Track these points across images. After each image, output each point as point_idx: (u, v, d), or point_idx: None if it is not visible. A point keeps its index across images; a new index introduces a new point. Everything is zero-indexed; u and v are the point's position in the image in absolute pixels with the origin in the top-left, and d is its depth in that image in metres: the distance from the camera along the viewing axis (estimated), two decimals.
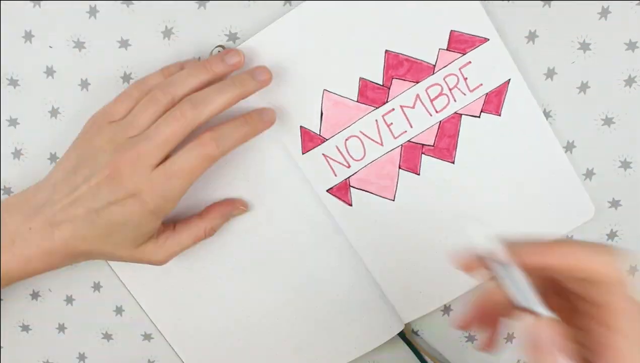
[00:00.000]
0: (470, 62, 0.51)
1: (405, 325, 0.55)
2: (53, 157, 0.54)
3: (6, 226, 0.48)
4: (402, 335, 0.55)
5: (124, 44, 0.52)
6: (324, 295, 0.54)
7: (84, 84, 0.53)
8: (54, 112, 0.53)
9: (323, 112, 0.52)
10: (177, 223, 0.51)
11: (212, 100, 0.46)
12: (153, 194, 0.46)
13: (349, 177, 0.53)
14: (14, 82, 0.53)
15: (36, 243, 0.48)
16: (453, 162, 0.52)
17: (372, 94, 0.51)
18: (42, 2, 0.51)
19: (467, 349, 0.56)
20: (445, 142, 0.52)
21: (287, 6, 0.50)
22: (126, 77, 0.52)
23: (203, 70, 0.48)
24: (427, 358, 0.56)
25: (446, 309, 0.56)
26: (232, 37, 0.51)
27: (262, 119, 0.49)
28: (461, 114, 0.52)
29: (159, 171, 0.46)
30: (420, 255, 0.54)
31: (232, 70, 0.49)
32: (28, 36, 0.52)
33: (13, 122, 0.53)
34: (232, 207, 0.52)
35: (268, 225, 0.53)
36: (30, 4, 0.51)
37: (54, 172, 0.49)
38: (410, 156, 0.52)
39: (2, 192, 0.55)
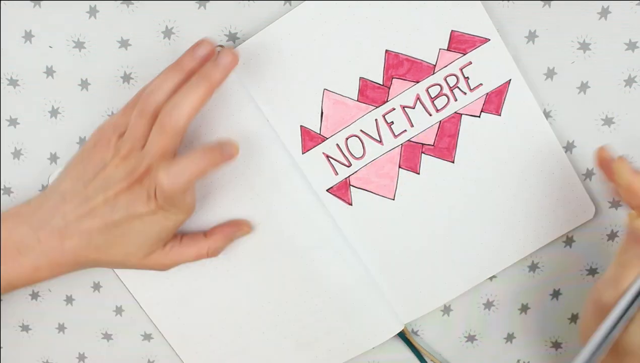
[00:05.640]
0: (470, 62, 0.51)
1: (405, 325, 0.55)
2: (53, 157, 0.54)
3: (10, 236, 0.48)
4: (402, 335, 0.55)
5: (124, 44, 0.52)
6: (324, 294, 0.54)
7: (84, 84, 0.53)
8: (54, 112, 0.53)
9: (323, 111, 0.52)
10: (184, 236, 0.52)
11: (183, 104, 0.45)
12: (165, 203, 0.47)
13: (349, 176, 0.53)
14: (13, 82, 0.53)
15: (45, 253, 0.48)
16: (453, 162, 0.52)
17: (372, 94, 0.51)
18: (42, 2, 0.51)
19: (467, 349, 0.56)
20: (445, 141, 0.52)
21: (287, 6, 0.50)
22: (126, 77, 0.52)
23: (176, 70, 0.47)
24: (427, 358, 0.56)
25: (446, 309, 0.55)
26: (232, 37, 0.51)
27: (222, 152, 0.47)
28: (461, 114, 0.52)
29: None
30: (420, 255, 0.54)
31: (203, 62, 0.47)
32: (28, 36, 0.52)
33: (13, 122, 0.53)
34: (236, 229, 0.52)
35: (268, 225, 0.53)
36: (30, 4, 0.51)
37: (60, 182, 0.49)
38: (411, 155, 0.52)
39: (2, 192, 0.55)
